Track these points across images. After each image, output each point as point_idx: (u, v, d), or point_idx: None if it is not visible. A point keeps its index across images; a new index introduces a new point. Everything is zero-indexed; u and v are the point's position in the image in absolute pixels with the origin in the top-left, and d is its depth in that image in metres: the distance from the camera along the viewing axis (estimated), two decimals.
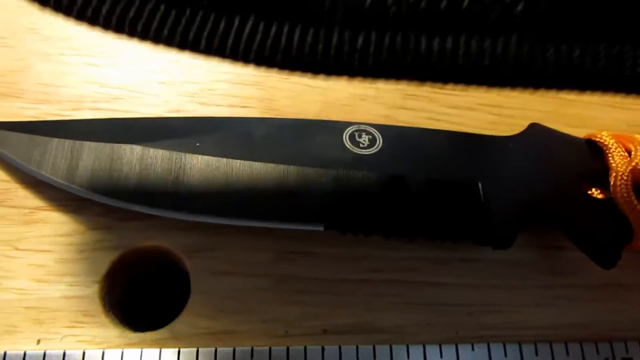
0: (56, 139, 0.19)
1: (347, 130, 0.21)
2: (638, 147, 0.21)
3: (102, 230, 0.19)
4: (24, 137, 0.19)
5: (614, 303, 0.21)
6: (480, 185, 0.20)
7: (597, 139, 0.22)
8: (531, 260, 0.21)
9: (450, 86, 0.23)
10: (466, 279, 0.20)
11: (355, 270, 0.20)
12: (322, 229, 0.19)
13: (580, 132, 0.23)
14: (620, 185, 0.20)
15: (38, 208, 0.19)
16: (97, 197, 0.18)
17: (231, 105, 0.22)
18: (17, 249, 0.18)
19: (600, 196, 0.21)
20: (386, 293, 0.19)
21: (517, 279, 0.21)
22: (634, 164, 0.20)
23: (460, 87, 0.23)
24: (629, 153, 0.21)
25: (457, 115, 0.23)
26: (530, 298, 0.20)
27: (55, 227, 0.19)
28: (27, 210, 0.19)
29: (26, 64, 0.22)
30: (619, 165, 0.21)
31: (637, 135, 0.22)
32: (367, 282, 0.19)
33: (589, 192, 0.21)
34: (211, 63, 0.22)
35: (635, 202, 0.20)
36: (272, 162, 0.19)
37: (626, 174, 0.20)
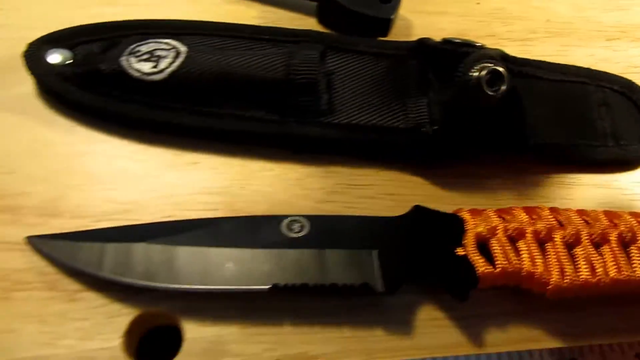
0: (88, 243, 0.29)
1: (284, 221, 0.31)
2: (477, 218, 0.31)
3: (122, 301, 0.28)
4: (67, 244, 0.29)
5: (476, 328, 0.30)
6: (375, 252, 0.30)
7: (460, 214, 0.32)
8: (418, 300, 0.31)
9: (360, 182, 0.34)
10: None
11: None
12: (267, 289, 0.28)
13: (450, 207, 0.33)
14: (467, 245, 0.30)
15: (78, 290, 0.28)
16: (118, 279, 0.28)
17: (205, 210, 0.32)
18: (66, 318, 0.28)
19: (462, 253, 0.31)
20: None
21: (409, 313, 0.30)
22: (476, 230, 0.31)
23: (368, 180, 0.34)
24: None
25: (365, 203, 0.34)
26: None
27: (89, 302, 0.28)
28: (70, 291, 0.28)
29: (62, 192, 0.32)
30: (469, 231, 0.31)
31: (488, 210, 0.32)
32: None
33: (456, 251, 0.31)
34: (190, 179, 0.32)
35: (477, 257, 0.30)
36: (234, 247, 0.29)
37: (472, 237, 0.30)
